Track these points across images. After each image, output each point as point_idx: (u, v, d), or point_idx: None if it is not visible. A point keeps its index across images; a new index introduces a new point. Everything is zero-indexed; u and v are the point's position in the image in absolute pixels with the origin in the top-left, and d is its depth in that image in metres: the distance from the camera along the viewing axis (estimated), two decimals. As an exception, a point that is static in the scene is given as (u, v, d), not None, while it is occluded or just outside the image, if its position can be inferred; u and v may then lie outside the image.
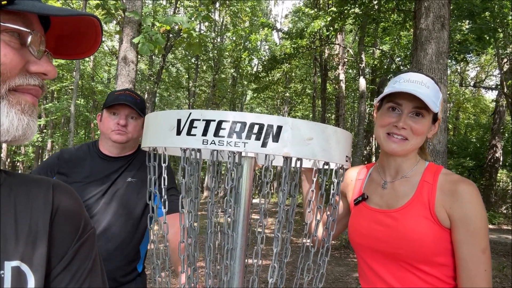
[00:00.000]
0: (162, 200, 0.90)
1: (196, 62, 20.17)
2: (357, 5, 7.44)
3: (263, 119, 0.71)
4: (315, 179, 0.96)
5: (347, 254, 7.31)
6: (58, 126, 21.56)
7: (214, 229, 0.84)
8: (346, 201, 1.35)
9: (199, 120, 0.72)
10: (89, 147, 1.68)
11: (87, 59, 19.33)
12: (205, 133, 0.71)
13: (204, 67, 21.40)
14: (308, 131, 0.73)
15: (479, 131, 19.45)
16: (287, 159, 0.75)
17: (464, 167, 14.69)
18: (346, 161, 0.82)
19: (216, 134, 0.71)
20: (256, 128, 0.71)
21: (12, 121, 0.54)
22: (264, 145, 0.71)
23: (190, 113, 0.73)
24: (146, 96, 18.08)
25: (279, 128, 0.71)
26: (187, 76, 21.40)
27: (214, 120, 0.72)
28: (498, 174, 15.49)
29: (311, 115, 21.38)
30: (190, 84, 20.75)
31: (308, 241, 0.93)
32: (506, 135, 14.99)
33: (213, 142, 0.71)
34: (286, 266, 0.84)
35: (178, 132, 0.74)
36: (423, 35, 5.17)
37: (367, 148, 16.47)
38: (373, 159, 19.63)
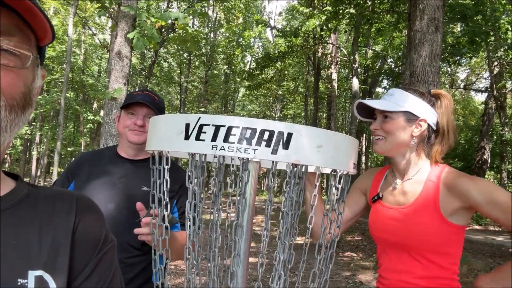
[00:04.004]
0: (164, 203, 0.89)
1: (188, 57, 20.04)
2: (352, 5, 7.46)
3: (273, 126, 0.70)
4: (317, 184, 0.96)
5: (337, 253, 7.37)
6: (47, 119, 21.28)
7: (217, 234, 0.83)
8: (364, 199, 1.52)
9: (208, 125, 0.71)
10: (108, 150, 1.66)
11: (77, 51, 19.07)
12: (214, 138, 0.70)
13: (197, 63, 21.29)
14: (318, 138, 0.73)
15: (467, 132, 19.71)
16: (296, 166, 0.74)
17: (453, 168, 14.87)
18: (353, 168, 0.82)
19: (225, 140, 0.70)
20: (266, 134, 0.70)
21: None
22: (274, 152, 0.70)
23: (199, 118, 0.72)
24: (136, 89, 17.92)
25: (289, 135, 0.71)
26: (179, 71, 21.25)
27: (224, 126, 0.70)
28: (486, 176, 15.73)
29: (303, 114, 21.45)
30: (182, 80, 20.62)
31: (310, 239, 0.93)
32: (495, 137, 15.21)
33: (222, 148, 0.70)
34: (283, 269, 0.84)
35: (187, 137, 0.72)
36: (417, 37, 5.20)
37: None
38: (363, 158, 19.77)
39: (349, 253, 7.37)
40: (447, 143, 1.37)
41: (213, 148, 0.70)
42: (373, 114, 1.43)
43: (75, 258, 0.62)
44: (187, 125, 0.73)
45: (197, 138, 0.72)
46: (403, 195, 1.37)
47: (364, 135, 16.49)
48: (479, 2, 8.47)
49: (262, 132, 0.70)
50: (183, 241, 1.40)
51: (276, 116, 23.05)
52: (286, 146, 0.70)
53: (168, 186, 0.88)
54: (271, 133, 0.70)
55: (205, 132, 0.71)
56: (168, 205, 0.90)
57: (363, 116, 1.45)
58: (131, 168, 1.57)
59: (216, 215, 0.84)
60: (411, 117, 1.35)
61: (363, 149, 18.18)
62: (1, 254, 0.54)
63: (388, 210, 1.39)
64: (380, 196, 1.43)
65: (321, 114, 20.79)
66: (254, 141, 0.70)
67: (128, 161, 1.59)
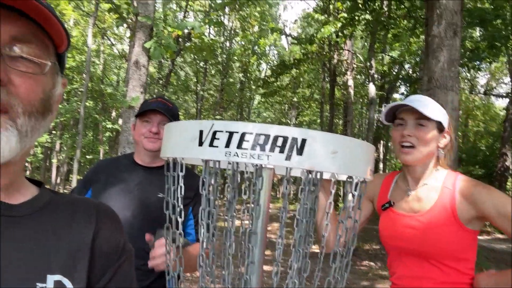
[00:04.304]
0: (179, 209, 0.89)
1: (204, 66, 20.24)
2: (368, 12, 7.42)
3: (287, 132, 0.70)
4: (333, 191, 0.94)
5: (354, 262, 7.25)
6: (67, 127, 21.76)
7: (231, 241, 0.82)
8: (371, 205, 1.50)
9: (222, 131, 0.71)
10: (125, 157, 1.69)
11: (97, 61, 19.51)
12: (228, 144, 0.70)
13: (213, 71, 21.48)
14: (333, 144, 0.72)
15: (488, 139, 19.23)
16: (310, 172, 0.73)
17: (473, 175, 14.51)
18: (370, 175, 0.80)
19: (239, 146, 0.70)
20: (280, 141, 0.69)
21: None
22: (288, 158, 0.69)
23: (213, 124, 0.72)
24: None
25: (304, 141, 0.70)
26: (195, 80, 21.48)
27: (237, 132, 0.70)
28: (508, 183, 15.28)
29: (318, 120, 21.34)
30: (198, 88, 20.82)
31: (322, 246, 0.91)
32: (517, 143, 14.79)
33: (236, 154, 0.70)
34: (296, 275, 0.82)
35: (200, 143, 0.72)
36: (435, 42, 5.12)
37: (375, 154, 16.39)
38: (380, 165, 19.51)
39: (367, 262, 7.24)
40: (452, 150, 1.39)
41: (227, 155, 0.70)
42: (394, 118, 1.40)
43: (94, 265, 0.63)
44: (201, 132, 0.73)
45: (211, 144, 0.72)
46: (418, 202, 1.35)
47: (382, 141, 16.28)
48: (499, 6, 8.31)
49: (276, 138, 0.70)
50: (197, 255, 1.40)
51: (292, 123, 23.01)
52: (300, 152, 0.70)
53: (183, 192, 0.88)
54: (285, 139, 0.69)
55: (218, 139, 0.71)
56: (183, 212, 0.90)
57: (386, 119, 1.42)
58: (147, 175, 1.59)
59: (230, 222, 0.83)
60: (441, 128, 1.34)
61: (381, 156, 17.92)
62: (21, 258, 0.56)
63: (403, 217, 1.37)
64: (392, 203, 1.40)
65: (337, 120, 20.64)
66: (267, 147, 0.69)
67: (144, 168, 1.61)
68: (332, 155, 0.71)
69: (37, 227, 0.60)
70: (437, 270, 1.31)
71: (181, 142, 0.76)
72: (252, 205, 0.82)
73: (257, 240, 0.83)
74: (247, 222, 0.86)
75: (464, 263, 1.31)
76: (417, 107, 1.29)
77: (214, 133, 0.71)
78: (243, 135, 0.70)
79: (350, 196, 0.83)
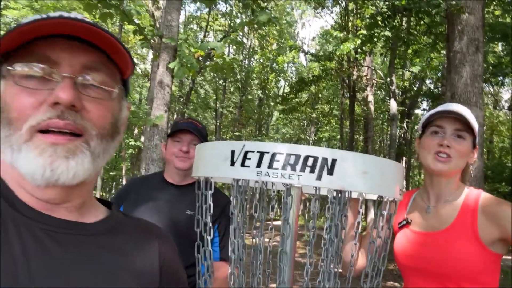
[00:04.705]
0: (208, 227, 0.91)
1: (224, 83, 20.53)
2: (387, 28, 7.43)
3: (317, 152, 0.71)
4: (361, 210, 0.94)
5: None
6: (91, 145, 22.22)
7: (263, 259, 0.83)
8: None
9: (253, 152, 0.73)
10: (155, 176, 1.75)
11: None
12: (259, 164, 0.72)
13: (232, 89, 21.75)
14: (363, 164, 0.73)
15: (515, 155, 18.62)
16: (340, 192, 0.74)
17: (500, 193, 14.00)
18: (400, 194, 0.80)
19: (270, 166, 0.71)
20: (310, 161, 0.71)
21: (31, 164, 0.55)
22: (318, 178, 0.70)
23: (244, 145, 0.74)
24: (175, 116, 18.48)
25: (334, 161, 0.71)
26: (215, 97, 21.78)
27: (268, 152, 0.72)
28: (538, 201, 14.67)
29: (338, 136, 21.20)
30: (217, 105, 21.09)
31: (351, 265, 0.91)
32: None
33: (267, 174, 0.71)
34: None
35: (232, 163, 0.74)
36: (457, 58, 5.07)
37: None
38: (403, 182, 19.05)
39: (391, 282, 7.04)
40: (475, 164, 1.33)
41: (258, 174, 0.72)
42: (426, 124, 1.31)
43: (164, 281, 0.69)
44: (233, 152, 0.75)
45: (242, 164, 0.73)
46: (437, 219, 1.27)
47: (404, 158, 15.99)
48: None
49: (306, 158, 0.71)
50: (220, 277, 1.43)
51: (311, 139, 22.92)
52: (330, 172, 0.71)
53: (212, 210, 0.90)
54: (315, 159, 0.71)
55: (250, 159, 0.73)
56: (211, 230, 0.92)
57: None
58: (177, 193, 1.63)
59: (259, 240, 0.84)
60: (474, 143, 1.27)
61: (404, 172, 17.57)
62: (95, 275, 0.59)
63: (419, 235, 1.28)
64: (409, 221, 1.33)
65: (358, 136, 20.44)
66: (298, 167, 0.71)
67: (174, 186, 1.66)
68: (362, 175, 0.72)
69: (110, 246, 0.64)
70: None
71: (213, 161, 0.79)
72: (274, 222, 0.83)
73: (288, 260, 0.84)
74: (269, 239, 0.87)
75: (484, 285, 1.20)
76: (463, 114, 1.21)
77: (246, 153, 0.73)
78: (273, 155, 0.71)
79: (379, 217, 0.82)
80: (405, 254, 1.30)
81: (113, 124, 0.63)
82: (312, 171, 0.71)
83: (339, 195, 0.76)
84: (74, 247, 0.59)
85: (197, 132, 1.63)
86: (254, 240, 0.87)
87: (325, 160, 0.71)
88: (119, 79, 0.66)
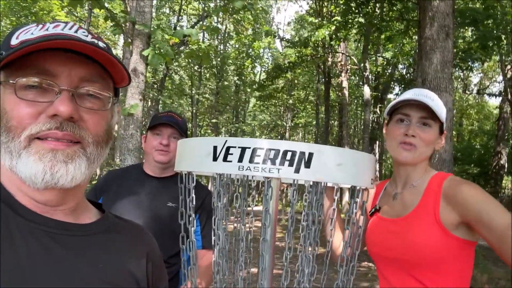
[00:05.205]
0: (192, 219, 0.94)
1: (199, 70, 20.29)
2: (361, 15, 7.51)
3: (296, 147, 0.75)
4: (336, 197, 0.99)
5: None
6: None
7: (245, 248, 0.87)
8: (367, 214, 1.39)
9: (234, 147, 0.76)
10: (134, 168, 1.74)
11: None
12: (240, 159, 0.75)
13: (207, 75, 21.52)
14: (338, 157, 0.77)
15: (483, 137, 19.40)
16: (317, 184, 0.78)
17: (469, 174, 14.65)
18: (372, 183, 0.86)
19: (251, 160, 0.75)
20: (289, 155, 0.75)
21: (31, 169, 0.59)
22: (297, 171, 0.74)
23: (226, 141, 0.77)
24: (149, 103, 18.17)
25: (311, 154, 0.75)
26: (190, 84, 21.52)
27: (249, 148, 0.75)
28: (503, 181, 15.44)
29: (314, 122, 21.45)
30: (193, 92, 20.86)
31: (327, 250, 0.96)
32: (511, 142, 14.96)
33: (248, 168, 0.75)
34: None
35: (215, 158, 0.78)
36: (428, 44, 5.22)
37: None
38: (377, 166, 19.63)
39: (366, 263, 7.29)
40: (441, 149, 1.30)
41: (240, 169, 0.75)
42: (392, 113, 1.26)
43: (151, 278, 0.76)
44: (215, 147, 0.78)
45: (225, 159, 0.77)
46: (402, 205, 1.23)
47: (378, 142, 16.39)
48: (490, 6, 8.44)
49: (285, 152, 0.75)
50: (204, 264, 1.48)
51: (288, 125, 23.09)
52: (308, 165, 0.75)
53: (194, 203, 0.93)
54: (293, 153, 0.75)
55: (232, 154, 0.76)
56: (195, 221, 0.95)
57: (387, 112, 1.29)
58: (157, 185, 1.64)
59: (241, 228, 0.88)
60: (442, 129, 1.23)
61: (377, 156, 18.04)
62: (93, 274, 0.63)
63: (385, 222, 1.25)
64: (377, 208, 1.30)
65: (333, 122, 20.74)
66: (277, 161, 0.74)
67: (154, 179, 1.67)
68: (337, 167, 0.77)
69: (106, 246, 0.68)
70: (418, 284, 1.14)
71: (196, 157, 0.81)
72: (254, 208, 0.88)
73: (268, 247, 0.88)
74: (249, 226, 0.92)
75: (451, 277, 1.12)
76: (428, 104, 1.15)
77: (228, 148, 0.76)
78: (254, 150, 0.75)
79: (352, 204, 0.88)
80: (373, 242, 1.27)
81: (107, 131, 0.68)
82: (290, 164, 0.75)
83: (316, 184, 0.80)
84: (74, 247, 0.62)
85: (177, 125, 1.64)
86: (234, 226, 0.91)
87: (302, 154, 0.75)
88: (112, 88, 0.69)
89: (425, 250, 1.11)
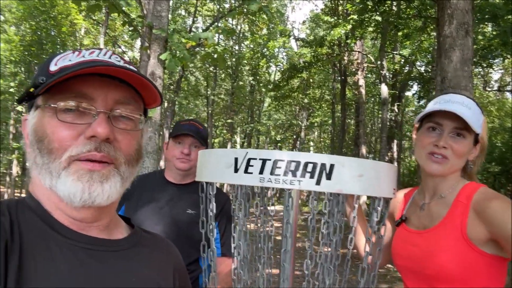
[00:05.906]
0: (211, 227, 0.95)
1: (214, 70, 20.39)
2: (378, 13, 7.43)
3: (316, 158, 0.75)
4: (357, 205, 0.99)
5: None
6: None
7: (267, 259, 0.88)
8: (394, 224, 1.35)
9: (255, 159, 0.77)
10: (156, 174, 1.79)
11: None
12: (261, 171, 0.76)
13: (223, 76, 21.61)
14: (359, 168, 0.77)
15: (504, 135, 18.90)
16: (338, 195, 0.79)
17: (490, 173, 14.26)
18: (393, 193, 0.85)
19: (272, 172, 0.76)
20: (310, 166, 0.75)
21: (70, 188, 0.62)
22: (318, 183, 0.75)
23: (247, 152, 0.78)
24: (166, 104, 18.36)
25: (332, 166, 0.75)
26: (205, 85, 21.65)
27: (270, 160, 0.76)
28: (526, 180, 14.99)
29: (330, 121, 21.30)
30: (208, 92, 20.98)
31: (347, 259, 0.96)
32: (534, 139, 14.52)
33: (269, 180, 0.76)
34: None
35: (236, 170, 0.78)
36: (447, 42, 5.12)
37: (389, 154, 16.26)
38: (395, 182, 19.24)
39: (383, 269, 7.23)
40: (482, 160, 1.21)
41: (261, 181, 0.76)
42: (424, 120, 1.17)
43: None
44: (236, 159, 0.79)
45: (246, 171, 0.77)
46: (429, 217, 1.18)
47: (395, 141, 16.17)
48: (510, 1, 8.22)
49: (306, 164, 0.75)
50: (223, 271, 1.50)
51: (303, 124, 22.99)
52: (329, 176, 0.75)
53: (214, 210, 0.94)
54: (314, 165, 0.75)
55: (252, 166, 0.77)
56: (215, 230, 0.97)
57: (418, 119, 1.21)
58: (177, 192, 1.68)
59: (262, 233, 0.89)
60: (477, 140, 1.15)
61: (395, 156, 17.80)
62: (130, 286, 0.67)
63: (411, 234, 1.20)
64: (404, 218, 1.25)
65: (349, 120, 20.56)
66: (298, 173, 0.75)
67: (174, 186, 1.71)
68: (358, 178, 0.76)
69: (138, 259, 0.73)
70: None
71: (217, 168, 0.83)
72: (272, 208, 0.89)
73: (289, 258, 0.89)
74: (269, 229, 0.92)
75: None
76: (463, 115, 1.06)
77: (249, 160, 0.77)
78: (275, 162, 0.75)
79: (374, 214, 0.87)
80: (398, 253, 1.23)
81: (138, 151, 0.72)
82: (311, 176, 0.75)
83: (337, 195, 0.81)
84: (108, 262, 0.66)
85: (198, 135, 1.68)
86: (251, 226, 0.93)
87: (323, 165, 0.75)
88: (142, 108, 0.73)
89: (449, 266, 1.07)
